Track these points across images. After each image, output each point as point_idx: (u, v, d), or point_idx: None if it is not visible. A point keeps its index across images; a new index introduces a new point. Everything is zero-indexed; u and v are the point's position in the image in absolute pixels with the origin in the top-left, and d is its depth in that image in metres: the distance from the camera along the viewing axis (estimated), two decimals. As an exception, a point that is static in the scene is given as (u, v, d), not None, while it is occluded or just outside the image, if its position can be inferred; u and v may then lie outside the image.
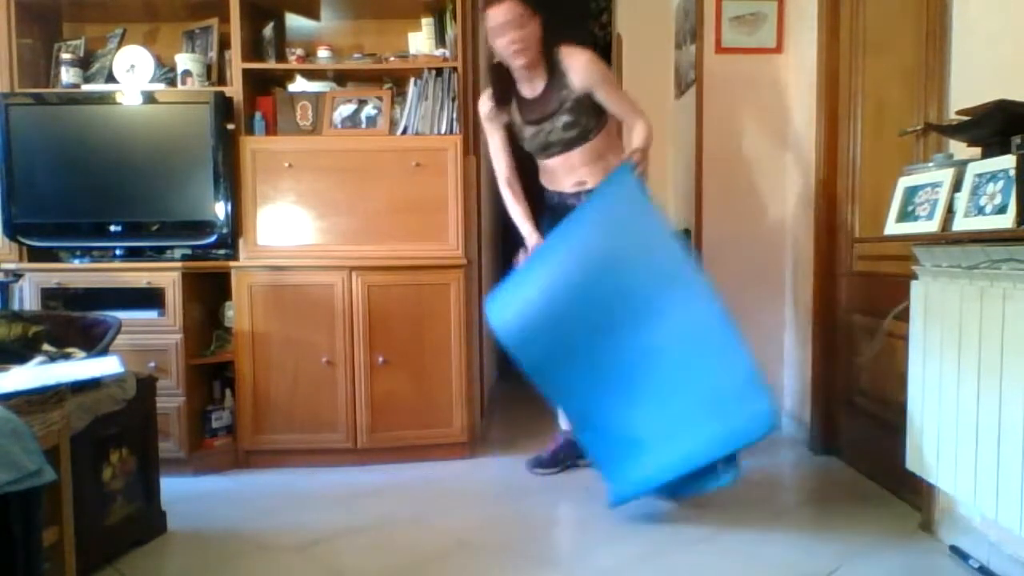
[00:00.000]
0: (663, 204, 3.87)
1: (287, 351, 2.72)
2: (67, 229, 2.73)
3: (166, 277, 2.62)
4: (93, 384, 1.86)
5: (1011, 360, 1.50)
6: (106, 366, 1.88)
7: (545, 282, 2.24)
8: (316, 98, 2.87)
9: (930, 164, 1.76)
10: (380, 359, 2.73)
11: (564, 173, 2.53)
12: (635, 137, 2.42)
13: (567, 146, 2.46)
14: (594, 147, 2.48)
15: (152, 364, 2.58)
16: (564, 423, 2.66)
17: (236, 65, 2.78)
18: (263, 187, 2.76)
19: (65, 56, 2.87)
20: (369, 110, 2.86)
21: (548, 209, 2.62)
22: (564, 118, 2.41)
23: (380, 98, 2.87)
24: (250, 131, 2.80)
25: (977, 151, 1.64)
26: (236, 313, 2.72)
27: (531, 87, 2.44)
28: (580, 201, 2.48)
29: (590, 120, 2.43)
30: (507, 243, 5.17)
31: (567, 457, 2.68)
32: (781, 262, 3.21)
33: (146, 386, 2.12)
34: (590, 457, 2.39)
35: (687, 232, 3.32)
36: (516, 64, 2.37)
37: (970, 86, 1.86)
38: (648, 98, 3.85)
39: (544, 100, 2.43)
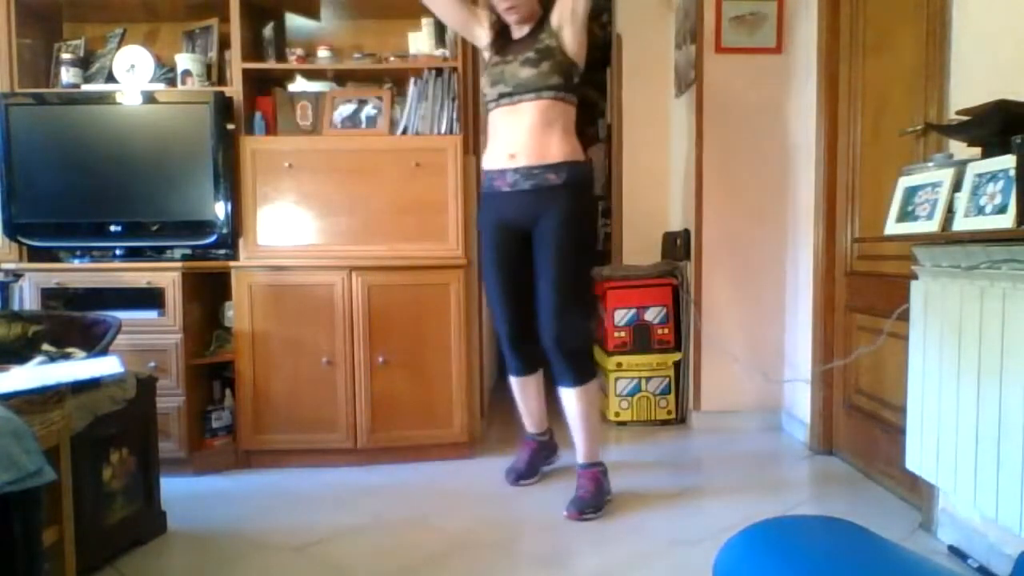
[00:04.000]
0: (663, 204, 3.87)
1: (287, 351, 2.72)
2: (67, 229, 2.73)
3: (166, 277, 2.62)
4: (93, 384, 1.86)
5: (1011, 360, 1.50)
6: (106, 366, 1.88)
7: None
8: (316, 98, 2.87)
9: (930, 164, 1.76)
10: (380, 359, 2.73)
11: (503, 137, 2.28)
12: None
13: (516, 89, 2.22)
14: (546, 111, 2.22)
15: (152, 364, 2.58)
16: (531, 427, 2.65)
17: (236, 65, 2.77)
18: (263, 187, 2.76)
19: (65, 56, 2.87)
20: (369, 110, 2.86)
21: (483, 200, 2.43)
22: (527, 54, 2.22)
23: (380, 98, 2.87)
24: (250, 131, 2.80)
25: (977, 151, 1.65)
26: (236, 313, 2.72)
27: (520, 30, 2.33)
28: (509, 186, 2.27)
29: (554, 72, 2.21)
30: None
31: (541, 461, 2.66)
32: (781, 262, 3.21)
33: (146, 386, 2.12)
34: None
35: (687, 232, 3.32)
36: (508, 19, 2.31)
37: (970, 86, 1.86)
38: (648, 98, 3.88)
39: (523, 41, 2.29)
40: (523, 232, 2.31)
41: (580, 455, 2.38)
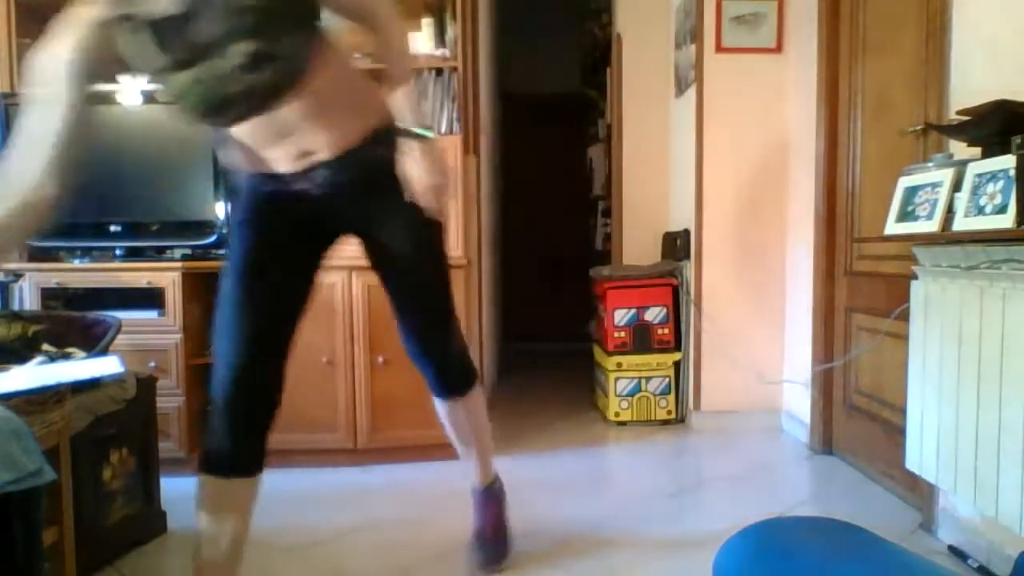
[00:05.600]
0: (663, 204, 3.87)
1: (287, 351, 2.72)
2: (67, 229, 2.73)
3: (166, 277, 2.61)
4: (93, 384, 1.86)
5: (1011, 360, 1.50)
6: (106, 366, 1.88)
7: None
8: (316, 98, 2.86)
9: (930, 164, 1.76)
10: (380, 359, 2.72)
11: (271, 141, 1.46)
12: (394, 68, 1.52)
13: (264, 99, 1.33)
14: (318, 94, 1.41)
15: (152, 364, 2.58)
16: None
17: (236, 65, 2.77)
18: (263, 187, 2.76)
19: (65, 56, 2.86)
20: (369, 110, 2.85)
21: (257, 203, 1.57)
22: (243, 46, 1.23)
23: (380, 98, 2.86)
24: (250, 131, 2.79)
25: (977, 151, 1.65)
26: (236, 313, 2.72)
27: None
28: (318, 187, 1.52)
29: (294, 39, 1.32)
30: (507, 243, 5.20)
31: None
32: (781, 262, 3.21)
33: (146, 386, 2.12)
34: None
35: (687, 232, 3.32)
36: None
37: (970, 86, 1.86)
38: (648, 98, 3.88)
39: (198, 14, 1.22)
40: (329, 233, 1.65)
41: (482, 476, 1.94)
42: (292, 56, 1.31)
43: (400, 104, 1.53)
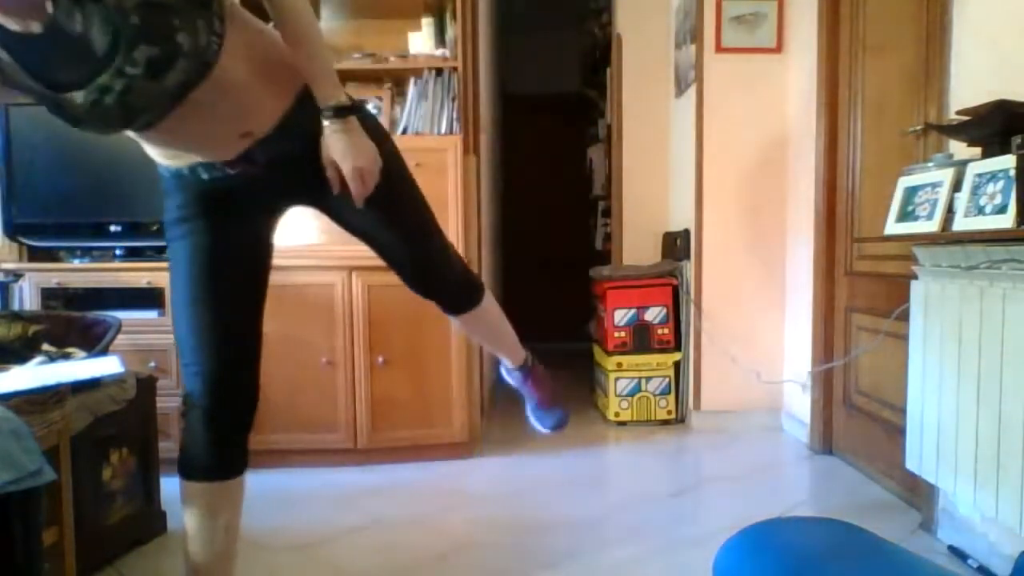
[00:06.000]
0: (663, 204, 3.88)
1: (287, 351, 2.72)
2: (67, 229, 2.73)
3: (166, 277, 2.60)
4: (93, 384, 1.86)
5: (1011, 360, 1.50)
6: (106, 366, 1.88)
7: None
8: (316, 98, 2.86)
9: (930, 164, 1.76)
10: (380, 359, 2.72)
11: (202, 132, 1.33)
12: (304, 58, 1.34)
13: (178, 98, 1.21)
14: (237, 72, 1.26)
15: (152, 364, 2.58)
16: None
17: (236, 65, 2.76)
18: (263, 187, 2.76)
19: (65, 56, 2.86)
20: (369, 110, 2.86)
21: (185, 190, 1.43)
22: (139, 53, 1.12)
23: (380, 98, 2.87)
24: (250, 131, 2.79)
25: (977, 151, 1.65)
26: (236, 313, 2.72)
27: (18, 10, 1.07)
28: (263, 166, 1.39)
29: (193, 29, 1.15)
30: (507, 243, 5.20)
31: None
32: (781, 262, 3.21)
33: (146, 386, 2.12)
34: None
35: (687, 232, 3.32)
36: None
37: (970, 86, 1.86)
38: (648, 98, 3.88)
39: (69, 33, 1.10)
40: (278, 208, 1.61)
41: (514, 360, 1.93)
42: (196, 49, 1.17)
43: (315, 79, 1.35)
